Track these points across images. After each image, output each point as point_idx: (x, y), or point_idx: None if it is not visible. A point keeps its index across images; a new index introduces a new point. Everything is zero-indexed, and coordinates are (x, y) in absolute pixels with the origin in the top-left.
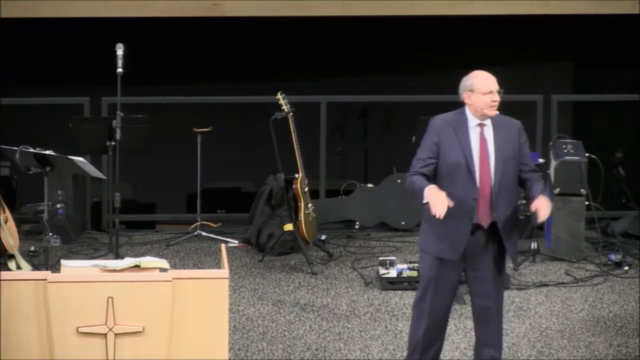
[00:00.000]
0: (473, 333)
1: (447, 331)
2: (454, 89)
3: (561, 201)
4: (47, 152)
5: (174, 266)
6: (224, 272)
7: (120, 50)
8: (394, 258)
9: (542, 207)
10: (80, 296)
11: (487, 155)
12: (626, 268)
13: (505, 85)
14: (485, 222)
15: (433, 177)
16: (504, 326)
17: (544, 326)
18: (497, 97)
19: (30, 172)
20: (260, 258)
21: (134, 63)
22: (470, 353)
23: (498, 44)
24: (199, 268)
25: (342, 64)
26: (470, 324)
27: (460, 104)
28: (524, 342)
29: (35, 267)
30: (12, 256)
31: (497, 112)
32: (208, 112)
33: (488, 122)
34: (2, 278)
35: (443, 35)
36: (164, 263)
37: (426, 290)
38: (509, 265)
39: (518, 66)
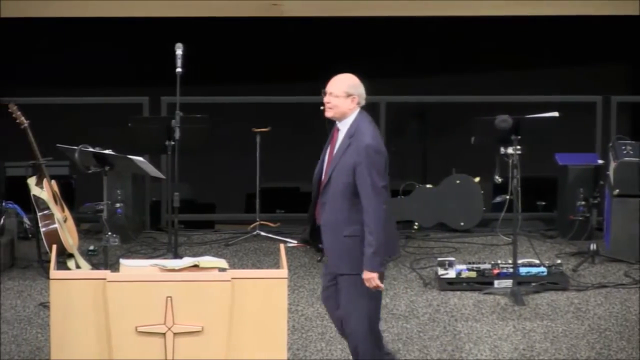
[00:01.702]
0: (532, 334)
1: (506, 332)
2: (513, 90)
3: (620, 202)
4: (107, 151)
5: (232, 266)
6: (283, 272)
7: (179, 50)
8: (452, 259)
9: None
10: (139, 296)
11: (330, 157)
12: None
13: (565, 87)
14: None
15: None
16: (563, 327)
17: (603, 327)
18: (327, 99)
19: (90, 172)
20: (319, 258)
21: (193, 63)
22: (530, 354)
23: (557, 45)
24: (258, 268)
25: (402, 64)
26: (529, 324)
27: (518, 106)
28: (582, 343)
29: (95, 267)
30: (71, 255)
31: (334, 115)
32: (267, 112)
33: (342, 126)
34: (61, 277)
35: (502, 36)
36: (222, 263)
37: None
38: (568, 266)
39: (577, 67)
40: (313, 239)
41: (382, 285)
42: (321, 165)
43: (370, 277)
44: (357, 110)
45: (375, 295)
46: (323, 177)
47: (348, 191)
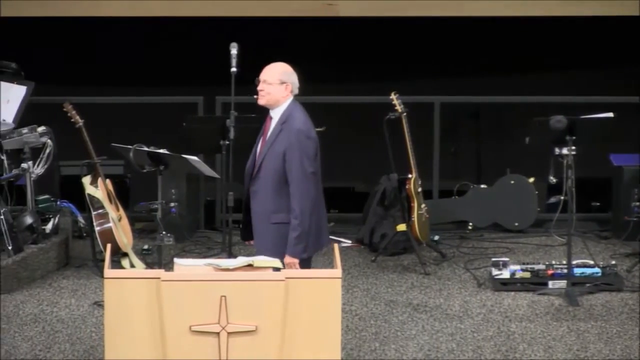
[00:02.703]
0: (586, 335)
1: (560, 333)
2: (566, 90)
3: None
4: (161, 150)
5: None
6: (337, 271)
7: (234, 50)
8: (507, 259)
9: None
10: (193, 295)
11: (264, 144)
12: None
13: (619, 87)
14: None
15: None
16: (617, 328)
17: None
18: (260, 87)
19: (144, 171)
20: (373, 258)
21: (248, 62)
22: (584, 355)
23: (604, 44)
24: (312, 268)
25: (456, 64)
26: (583, 325)
27: (573, 106)
28: (636, 344)
29: (149, 266)
30: (125, 254)
31: (267, 103)
32: (321, 112)
33: (274, 114)
34: (115, 276)
35: (555, 37)
36: (277, 262)
37: None
38: (622, 267)
39: (619, 67)
40: (246, 233)
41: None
42: (254, 155)
43: (291, 262)
44: (290, 98)
45: None
46: (255, 166)
47: (278, 178)
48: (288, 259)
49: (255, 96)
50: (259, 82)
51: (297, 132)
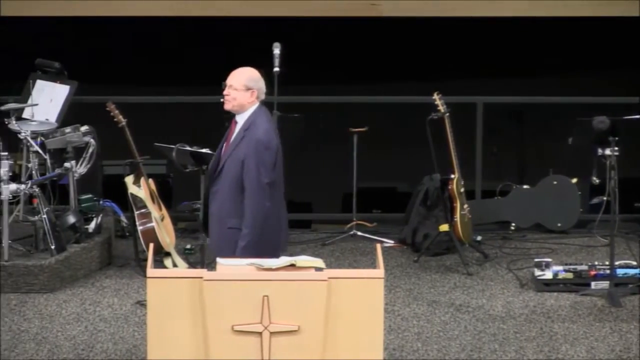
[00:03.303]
0: (629, 336)
1: (602, 334)
2: (609, 91)
3: None
4: (204, 150)
5: (329, 265)
6: (380, 272)
7: (277, 50)
8: (549, 260)
9: None
10: (235, 294)
11: (227, 147)
12: None
13: None
14: None
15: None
16: None
17: None
18: (226, 91)
19: (187, 170)
20: (415, 258)
21: (290, 62)
22: (627, 355)
23: None
24: (355, 268)
25: (499, 64)
26: (626, 326)
27: (615, 107)
28: None
29: (191, 265)
30: (168, 254)
31: (232, 108)
32: (364, 112)
33: (239, 119)
34: (158, 276)
35: (599, 37)
36: (319, 262)
37: None
38: None
39: None
40: (207, 230)
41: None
42: (217, 155)
43: None
44: (257, 104)
45: None
46: (217, 167)
47: (236, 184)
48: None
49: (221, 99)
50: (225, 86)
51: (257, 142)
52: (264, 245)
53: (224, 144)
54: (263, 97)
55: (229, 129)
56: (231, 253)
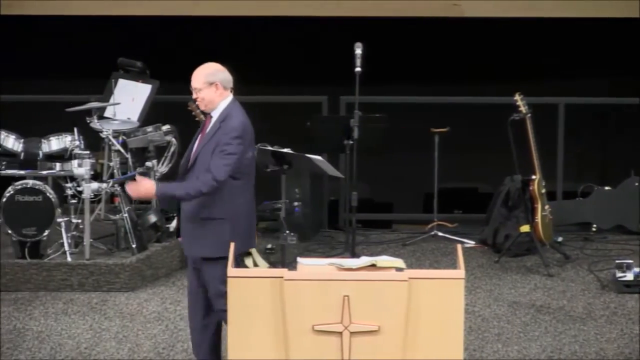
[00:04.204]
0: None
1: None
2: None
3: None
4: (285, 150)
5: (410, 266)
6: (460, 272)
7: (359, 50)
8: (631, 261)
9: (141, 183)
10: (316, 294)
11: (200, 142)
12: None
13: None
14: None
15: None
16: None
17: None
18: (194, 95)
19: (268, 170)
20: (496, 259)
21: (372, 62)
22: None
23: None
24: (435, 268)
25: (581, 65)
26: None
27: None
28: None
29: (272, 265)
30: (249, 253)
31: (206, 108)
32: (445, 112)
33: (214, 113)
34: (239, 275)
35: None
36: (400, 262)
37: None
38: None
39: None
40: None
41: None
42: (189, 152)
43: (147, 190)
44: (228, 98)
45: None
46: (189, 162)
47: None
48: (148, 187)
49: (196, 104)
50: (193, 91)
51: (230, 130)
52: (238, 236)
53: (197, 139)
54: (230, 85)
55: (202, 126)
56: (213, 243)
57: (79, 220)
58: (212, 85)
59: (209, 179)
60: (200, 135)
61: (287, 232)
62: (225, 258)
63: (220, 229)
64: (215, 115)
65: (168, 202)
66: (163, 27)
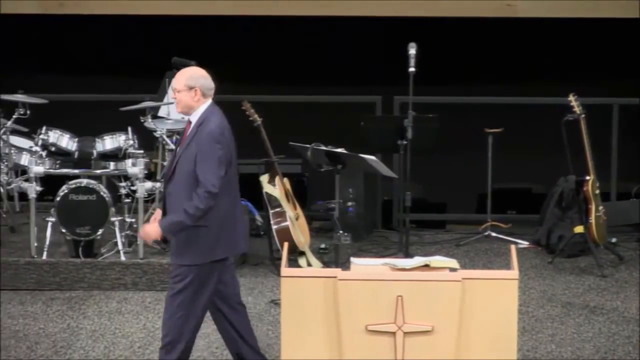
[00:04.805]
0: None
1: None
2: None
3: None
4: (339, 150)
5: (463, 266)
6: (514, 273)
7: (412, 50)
8: None
9: (146, 230)
10: (369, 294)
11: (181, 146)
12: None
13: None
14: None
15: None
16: None
17: None
18: (173, 96)
19: (322, 170)
20: (550, 260)
21: (426, 62)
22: None
23: None
24: (489, 269)
25: (635, 65)
26: None
27: None
28: None
29: (326, 265)
30: (302, 253)
31: (182, 110)
32: (499, 112)
33: (192, 118)
34: (292, 275)
35: None
36: (453, 263)
37: None
38: None
39: None
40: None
41: (156, 245)
42: (172, 157)
43: (155, 233)
44: (207, 102)
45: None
46: (171, 167)
47: (190, 180)
48: (153, 230)
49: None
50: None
51: (207, 135)
52: (226, 241)
53: (178, 145)
54: (210, 93)
55: (183, 131)
56: (195, 251)
57: (133, 220)
58: (191, 90)
59: (201, 193)
60: (180, 141)
61: (341, 232)
62: (204, 264)
63: (203, 235)
64: (193, 119)
65: (177, 232)
66: (218, 27)
